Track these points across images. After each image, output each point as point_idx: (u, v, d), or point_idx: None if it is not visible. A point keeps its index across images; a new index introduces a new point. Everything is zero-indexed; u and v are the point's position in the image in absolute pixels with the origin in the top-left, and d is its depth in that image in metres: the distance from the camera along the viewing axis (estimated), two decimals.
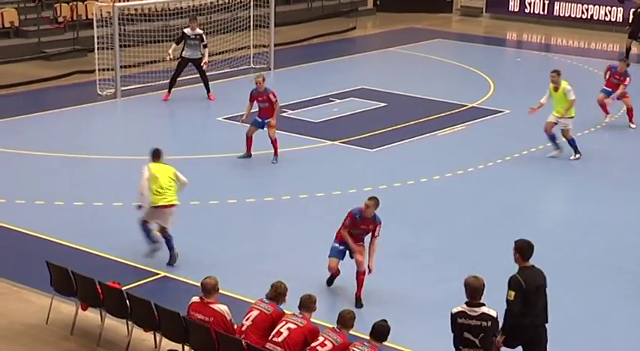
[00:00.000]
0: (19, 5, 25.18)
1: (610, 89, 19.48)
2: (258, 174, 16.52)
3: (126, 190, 15.59)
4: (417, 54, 27.16)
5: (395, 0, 34.41)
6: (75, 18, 25.54)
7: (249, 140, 16.96)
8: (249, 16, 24.59)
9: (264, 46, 24.84)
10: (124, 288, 10.80)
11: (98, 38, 21.57)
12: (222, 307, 9.70)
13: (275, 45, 24.79)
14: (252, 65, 24.32)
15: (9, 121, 19.21)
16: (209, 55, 21.10)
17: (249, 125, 16.95)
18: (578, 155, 17.45)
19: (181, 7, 25.24)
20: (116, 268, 12.49)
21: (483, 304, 8.85)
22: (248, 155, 17.00)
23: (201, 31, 20.85)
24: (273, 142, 16.83)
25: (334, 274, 11.95)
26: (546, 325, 9.36)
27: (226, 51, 24.52)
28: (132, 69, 22.72)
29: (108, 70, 21.53)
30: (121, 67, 21.30)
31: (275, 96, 16.78)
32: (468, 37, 30.13)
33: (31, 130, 18.51)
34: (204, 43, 20.80)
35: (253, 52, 24.55)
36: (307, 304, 9.51)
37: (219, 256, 13.06)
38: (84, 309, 10.95)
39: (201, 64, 20.74)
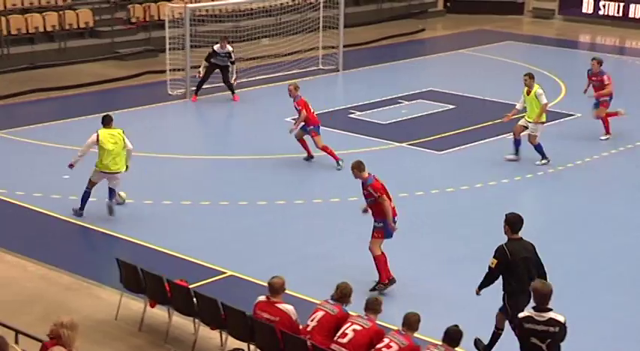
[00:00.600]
0: (93, 6, 25.66)
1: (598, 98, 18.58)
2: (325, 175, 16.56)
3: (194, 189, 15.79)
4: (487, 56, 26.93)
5: (465, 1, 34.14)
6: (147, 19, 25.94)
7: (301, 142, 16.90)
8: (319, 18, 24.65)
9: (332, 48, 24.88)
10: (191, 286, 10.92)
11: (170, 39, 21.87)
12: (288, 307, 9.75)
13: (344, 46, 24.81)
14: (320, 66, 24.38)
15: (82, 119, 19.58)
16: (236, 72, 21.12)
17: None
18: (545, 160, 16.96)
19: (252, 8, 25.45)
20: (184, 267, 12.64)
21: (551, 310, 8.74)
22: (310, 157, 17.01)
23: (230, 49, 20.88)
24: (325, 150, 16.63)
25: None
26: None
27: (295, 52, 24.64)
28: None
29: (178, 70, 21.81)
30: (191, 67, 21.54)
31: (300, 105, 16.63)
32: (540, 40, 29.75)
33: None
34: (232, 60, 20.86)
35: (322, 53, 24.61)
36: (373, 306, 9.51)
37: (286, 256, 13.13)
38: (152, 306, 11.10)
39: (231, 81, 20.78)
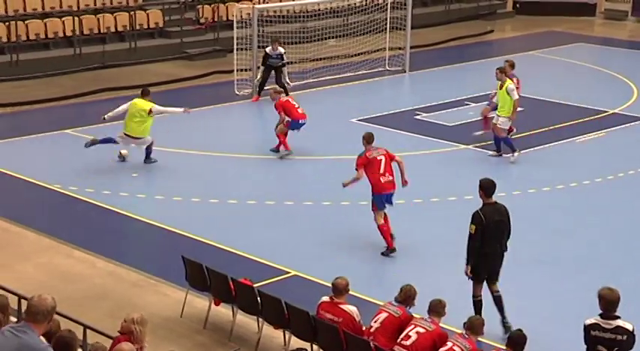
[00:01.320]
0: (163, 7, 26.02)
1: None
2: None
3: (259, 189, 15.92)
4: (557, 58, 26.59)
5: (535, 2, 33.75)
6: (216, 19, 26.21)
7: (280, 137, 17.43)
8: (386, 19, 24.62)
9: (399, 49, 24.83)
10: (255, 285, 11.01)
11: (237, 39, 22.07)
12: (351, 308, 9.77)
13: (411, 47, 24.75)
14: (387, 68, 24.35)
15: None
16: (288, 76, 21.19)
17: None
18: (516, 153, 17.01)
19: (319, 9, 25.53)
20: (248, 265, 12.75)
21: (619, 317, 8.59)
22: (276, 150, 17.53)
23: (282, 51, 20.97)
24: (278, 137, 17.39)
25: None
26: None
27: (362, 53, 24.64)
28: None
29: (246, 70, 21.99)
30: (257, 67, 21.70)
31: (277, 107, 17.27)
32: (612, 41, 29.27)
33: (172, 129, 19.07)
34: (284, 61, 20.94)
35: (389, 54, 24.58)
36: (437, 309, 9.48)
37: (350, 257, 13.15)
38: (217, 304, 11.22)
39: (284, 82, 20.86)
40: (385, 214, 13.16)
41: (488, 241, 10.54)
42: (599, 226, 14.52)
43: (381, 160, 13.11)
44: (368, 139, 13.25)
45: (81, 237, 13.82)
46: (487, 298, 11.05)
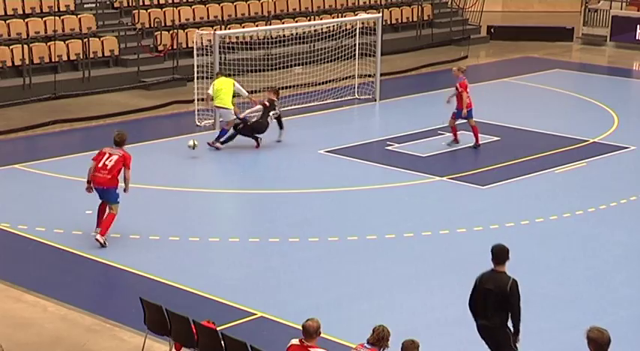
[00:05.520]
0: (119, 33, 26.03)
1: (459, 109, 20.00)
2: (361, 211, 16.57)
3: (223, 225, 15.88)
4: (534, 85, 26.90)
5: (510, 28, 34.18)
6: (175, 46, 26.24)
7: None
8: (355, 45, 24.81)
9: (369, 76, 25.00)
10: (219, 328, 10.94)
11: (198, 67, 22.11)
12: None
13: (381, 74, 24.92)
14: (356, 96, 24.49)
15: None
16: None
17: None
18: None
19: (284, 35, 25.67)
20: (211, 307, 12.68)
21: None
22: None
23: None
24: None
25: None
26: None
27: (330, 81, 24.78)
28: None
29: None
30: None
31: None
32: (590, 68, 29.69)
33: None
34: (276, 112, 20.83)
35: (358, 82, 24.74)
36: (410, 350, 9.45)
37: (319, 296, 13.12)
38: (177, 349, 11.13)
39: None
40: None
41: (480, 311, 10.31)
42: (580, 260, 14.62)
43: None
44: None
45: (31, 279, 13.68)
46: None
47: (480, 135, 20.24)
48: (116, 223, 15.52)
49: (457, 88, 20.08)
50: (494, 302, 10.14)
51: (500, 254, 10.27)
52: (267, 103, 20.17)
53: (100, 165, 14.74)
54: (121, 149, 14.90)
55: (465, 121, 20.14)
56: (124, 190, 14.90)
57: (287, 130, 20.47)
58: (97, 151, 15.10)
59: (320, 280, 13.72)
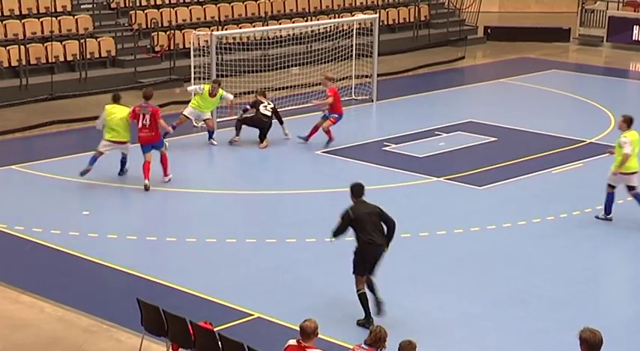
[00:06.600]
0: (116, 34, 26.01)
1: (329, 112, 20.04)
2: None
3: (220, 226, 15.86)
4: (531, 85, 26.91)
5: (507, 28, 34.20)
6: (172, 47, 26.22)
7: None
8: (352, 45, 24.81)
9: (366, 77, 25.00)
10: (216, 329, 10.94)
11: (195, 68, 22.10)
12: None
13: (378, 75, 24.93)
14: (353, 96, 24.49)
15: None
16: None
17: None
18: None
19: (281, 36, 25.66)
20: (209, 307, 12.68)
21: None
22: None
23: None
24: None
25: None
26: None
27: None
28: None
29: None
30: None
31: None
32: (587, 68, 29.71)
33: (128, 163, 18.98)
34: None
35: (355, 82, 24.74)
36: None
37: (316, 297, 13.12)
38: (175, 350, 11.12)
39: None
40: None
41: (361, 232, 12.13)
42: (577, 261, 14.63)
43: None
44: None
45: (28, 280, 13.66)
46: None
47: (314, 135, 20.19)
48: (112, 224, 15.55)
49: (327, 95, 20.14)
50: (379, 220, 12.18)
51: (360, 190, 12.37)
52: (249, 106, 20.42)
53: (140, 126, 17.40)
54: (150, 106, 17.50)
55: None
56: (166, 133, 18.12)
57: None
58: (130, 110, 17.58)
59: (317, 281, 13.72)
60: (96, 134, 21.60)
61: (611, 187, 15.97)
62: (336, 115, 20.13)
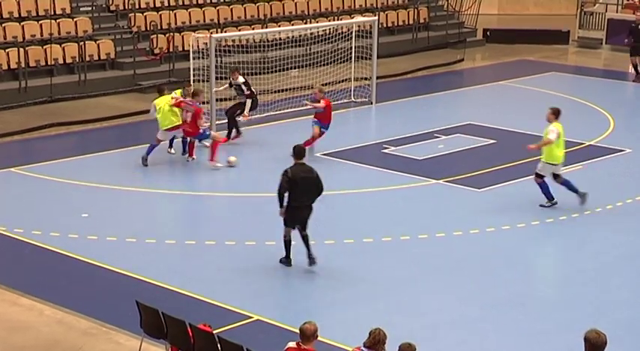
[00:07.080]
0: (115, 37, 26.01)
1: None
2: (357, 214, 16.57)
3: (219, 229, 15.87)
4: (530, 88, 26.92)
5: (506, 31, 34.20)
6: (171, 49, 26.23)
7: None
8: (351, 48, 24.81)
9: (365, 79, 25.00)
10: (215, 331, 10.94)
11: (194, 70, 22.10)
12: None
13: (377, 77, 24.93)
14: (352, 99, 24.50)
15: (103, 154, 19.79)
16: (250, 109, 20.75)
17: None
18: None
19: (280, 38, 25.66)
20: (208, 310, 12.67)
21: None
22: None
23: (241, 80, 20.57)
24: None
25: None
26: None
27: (326, 84, 24.75)
28: (227, 102, 23.12)
29: (203, 103, 21.94)
30: (217, 100, 21.70)
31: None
32: (586, 70, 29.72)
33: (125, 164, 18.99)
34: (246, 92, 20.57)
35: (354, 85, 24.74)
36: None
37: (315, 299, 13.12)
38: None
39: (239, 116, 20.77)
40: None
41: (297, 196, 13.35)
42: (577, 263, 14.64)
43: None
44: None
45: (27, 283, 13.67)
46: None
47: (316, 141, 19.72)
48: (111, 226, 15.56)
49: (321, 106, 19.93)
50: (313, 185, 13.44)
51: (301, 152, 13.64)
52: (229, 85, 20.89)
53: (183, 120, 18.66)
54: (194, 105, 18.54)
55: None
56: (203, 123, 18.85)
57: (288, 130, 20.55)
58: (173, 99, 18.63)
59: (316, 284, 13.72)
60: (96, 136, 21.68)
61: (540, 176, 16.69)
62: (325, 126, 19.90)
